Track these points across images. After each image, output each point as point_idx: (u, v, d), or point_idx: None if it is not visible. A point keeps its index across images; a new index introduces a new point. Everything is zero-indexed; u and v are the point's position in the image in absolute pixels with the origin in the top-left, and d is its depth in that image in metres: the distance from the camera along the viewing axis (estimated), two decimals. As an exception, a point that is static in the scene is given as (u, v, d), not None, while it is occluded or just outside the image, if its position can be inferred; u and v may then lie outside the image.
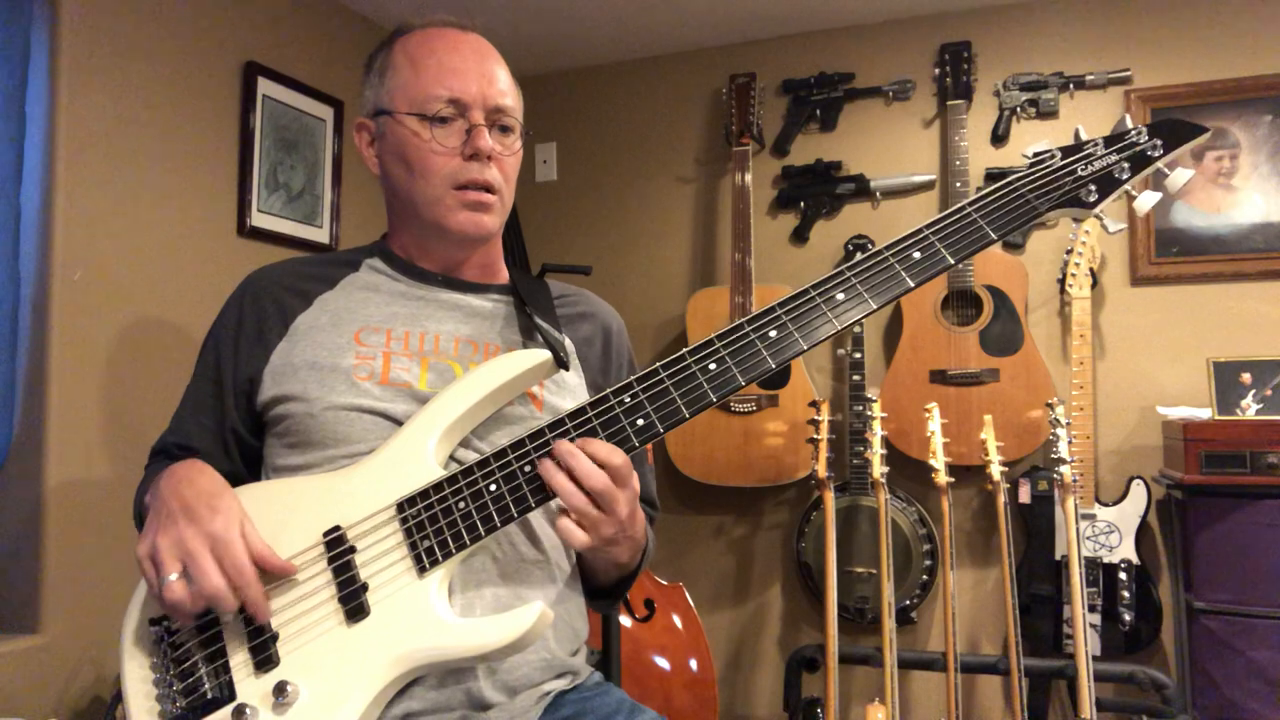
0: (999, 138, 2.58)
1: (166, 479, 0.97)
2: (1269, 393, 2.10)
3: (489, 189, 1.06)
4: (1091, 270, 2.32)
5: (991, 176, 2.57)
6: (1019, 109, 2.56)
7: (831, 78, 2.73)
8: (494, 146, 1.05)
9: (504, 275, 1.17)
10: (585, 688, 1.06)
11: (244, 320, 1.07)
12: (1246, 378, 2.12)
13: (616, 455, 0.89)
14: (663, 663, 2.29)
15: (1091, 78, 2.50)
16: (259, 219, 2.23)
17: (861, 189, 2.70)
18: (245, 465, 1.08)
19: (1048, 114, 2.53)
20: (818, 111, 2.76)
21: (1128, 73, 2.47)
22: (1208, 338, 2.38)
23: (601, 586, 1.12)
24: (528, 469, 0.91)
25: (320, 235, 2.44)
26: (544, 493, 0.90)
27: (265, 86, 2.25)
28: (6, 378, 1.75)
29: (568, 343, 1.12)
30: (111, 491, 1.83)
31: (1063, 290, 2.36)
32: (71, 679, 1.76)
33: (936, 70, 2.63)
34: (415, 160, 1.04)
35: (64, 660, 1.74)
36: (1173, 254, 2.42)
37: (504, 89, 1.07)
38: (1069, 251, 2.34)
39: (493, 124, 1.06)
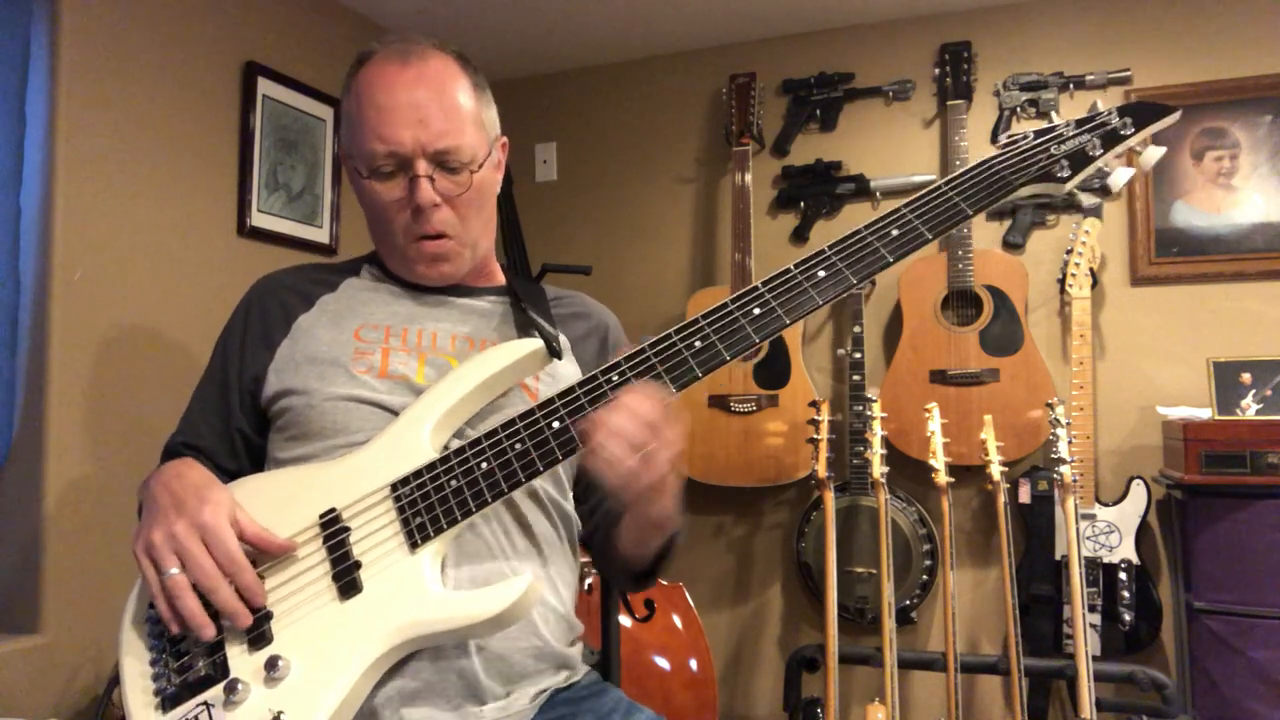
0: (999, 138, 2.58)
1: (157, 477, 0.98)
2: (1269, 393, 2.10)
3: (443, 235, 1.06)
4: (1091, 270, 2.32)
5: (991, 176, 2.57)
6: (1019, 109, 2.56)
7: (831, 78, 2.73)
8: (435, 197, 1.03)
9: (500, 278, 1.20)
10: (581, 686, 1.07)
11: (250, 323, 1.11)
12: (1246, 378, 2.12)
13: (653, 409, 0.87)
14: (663, 663, 2.29)
15: (1091, 78, 2.49)
16: (259, 219, 2.23)
17: (861, 189, 2.70)
18: (251, 465, 1.10)
19: (1047, 114, 2.53)
20: (818, 111, 2.76)
21: (1128, 73, 2.47)
22: (1208, 338, 2.38)
23: (639, 560, 1.09)
24: (518, 446, 0.92)
25: (320, 235, 2.44)
26: (534, 468, 0.91)
27: (265, 86, 2.26)
28: (6, 378, 1.75)
29: (562, 338, 1.14)
30: (111, 491, 1.83)
31: (1063, 290, 2.35)
32: (71, 679, 1.76)
33: (936, 70, 2.63)
34: (375, 213, 1.07)
35: (64, 660, 1.74)
36: (1173, 254, 2.42)
37: (444, 128, 1.01)
38: (1069, 251, 2.33)
39: (439, 165, 1.03)
